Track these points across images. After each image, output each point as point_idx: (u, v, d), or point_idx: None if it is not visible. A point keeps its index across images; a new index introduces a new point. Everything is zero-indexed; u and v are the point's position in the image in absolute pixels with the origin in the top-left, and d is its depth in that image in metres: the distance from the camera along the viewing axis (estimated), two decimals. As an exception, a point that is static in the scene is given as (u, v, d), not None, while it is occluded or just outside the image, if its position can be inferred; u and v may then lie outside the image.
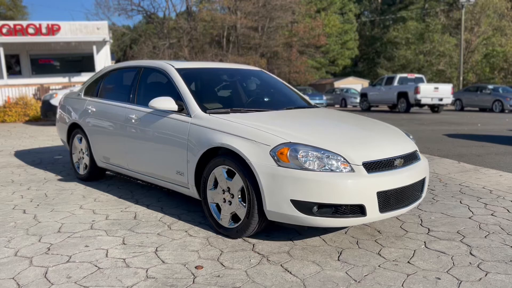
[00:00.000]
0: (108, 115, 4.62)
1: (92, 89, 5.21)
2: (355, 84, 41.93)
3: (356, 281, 2.60)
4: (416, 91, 20.33)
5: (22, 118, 14.94)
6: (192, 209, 4.03)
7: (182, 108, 3.73)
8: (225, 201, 3.31)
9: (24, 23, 18.48)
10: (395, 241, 3.25)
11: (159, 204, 4.23)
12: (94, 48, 17.81)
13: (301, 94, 4.72)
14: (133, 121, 4.18)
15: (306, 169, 2.90)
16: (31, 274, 2.68)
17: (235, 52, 42.18)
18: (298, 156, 2.92)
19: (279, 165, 2.94)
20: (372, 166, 3.02)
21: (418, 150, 3.57)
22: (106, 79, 5.08)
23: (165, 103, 3.70)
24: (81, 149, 5.19)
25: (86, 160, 5.09)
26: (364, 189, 2.90)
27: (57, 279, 2.61)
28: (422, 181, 3.42)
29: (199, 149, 3.43)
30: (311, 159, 2.93)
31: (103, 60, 19.15)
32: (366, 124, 3.82)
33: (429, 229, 3.51)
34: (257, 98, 4.41)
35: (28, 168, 6.17)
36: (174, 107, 3.70)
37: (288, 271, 2.73)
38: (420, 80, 22.71)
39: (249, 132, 3.16)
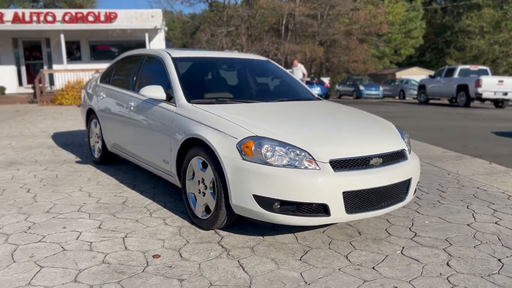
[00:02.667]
0: (114, 102, 4.76)
1: (106, 76, 5.39)
2: (418, 75, 39.91)
3: (306, 283, 2.50)
4: (477, 84, 18.96)
5: (77, 101, 15.84)
6: (180, 197, 4.06)
7: (171, 97, 3.75)
8: (200, 192, 3.30)
9: (85, 11, 19.48)
10: (371, 244, 3.07)
11: (153, 190, 4.31)
12: (146, 35, 18.40)
13: (305, 86, 4.56)
14: (131, 108, 4.28)
15: (270, 164, 2.81)
16: (0, 251, 2.85)
17: (293, 40, 41.77)
18: (262, 150, 2.83)
19: (243, 159, 2.87)
20: (341, 164, 2.86)
21: (406, 149, 3.32)
22: (117, 67, 5.23)
23: (154, 91, 3.73)
24: (96, 133, 5.40)
25: (99, 144, 5.30)
26: (328, 188, 2.76)
27: (20, 257, 2.75)
28: (407, 183, 3.19)
29: (179, 138, 3.43)
30: (275, 154, 2.83)
31: (156, 47, 19.76)
32: (353, 120, 3.61)
33: (415, 234, 3.28)
34: (251, 89, 4.32)
35: (56, 149, 6.54)
36: (162, 95, 3.73)
37: (242, 267, 2.68)
38: (484, 72, 21.13)
39: (221, 124, 3.12)
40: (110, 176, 4.86)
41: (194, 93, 3.75)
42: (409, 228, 3.40)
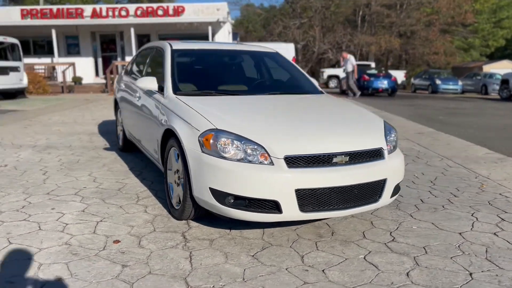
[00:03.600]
0: (127, 92, 4.98)
1: (128, 68, 5.64)
2: (510, 69, 36.54)
3: (243, 280, 2.45)
4: None
5: (143, 91, 16.67)
6: (173, 187, 4.15)
7: (163, 89, 3.84)
8: (175, 182, 3.36)
9: (155, 5, 20.42)
10: (337, 246, 2.92)
11: (155, 179, 4.45)
12: (209, 28, 18.86)
13: (311, 80, 4.39)
14: (137, 99, 4.45)
15: (225, 158, 2.78)
16: (-14, 226, 3.14)
17: (368, 32, 40.33)
18: (219, 143, 2.81)
19: (203, 151, 2.87)
20: (297, 161, 2.74)
21: (384, 148, 3.09)
22: (135, 59, 5.45)
23: (147, 82, 3.85)
24: (120, 122, 5.69)
25: (122, 132, 5.58)
26: (280, 184, 2.67)
27: (-2, 233, 3.01)
28: (381, 183, 2.98)
29: (161, 129, 3.51)
30: (231, 147, 2.79)
31: (221, 40, 20.19)
32: (332, 116, 3.42)
33: (393, 239, 3.06)
34: (244, 81, 4.26)
35: (94, 136, 7.00)
36: (154, 87, 3.83)
37: (190, 259, 2.69)
38: None
39: (190, 116, 3.14)
40: (124, 163, 5.11)
41: (186, 85, 3.80)
42: (390, 233, 3.17)
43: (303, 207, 2.73)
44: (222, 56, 4.48)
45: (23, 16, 20.29)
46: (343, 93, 17.93)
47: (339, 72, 22.98)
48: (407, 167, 5.10)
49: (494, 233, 3.18)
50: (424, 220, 3.43)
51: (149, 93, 4.04)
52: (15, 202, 3.68)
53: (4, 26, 19.80)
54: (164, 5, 20.13)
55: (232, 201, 2.77)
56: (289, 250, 2.85)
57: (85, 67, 20.63)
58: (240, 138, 2.80)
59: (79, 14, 20.16)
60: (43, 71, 19.69)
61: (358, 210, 2.94)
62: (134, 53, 19.33)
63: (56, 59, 19.49)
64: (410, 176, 4.74)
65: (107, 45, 21.50)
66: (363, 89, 18.36)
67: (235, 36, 27.82)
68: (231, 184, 2.73)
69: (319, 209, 2.78)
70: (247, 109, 3.36)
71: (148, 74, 4.51)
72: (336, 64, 32.49)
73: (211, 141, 2.83)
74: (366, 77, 19.03)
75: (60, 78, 18.92)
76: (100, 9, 20.29)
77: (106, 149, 5.96)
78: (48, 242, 2.89)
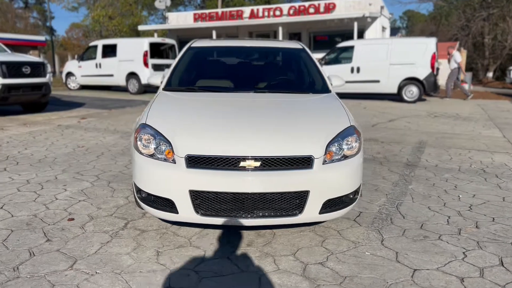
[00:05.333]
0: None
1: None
2: None
3: (121, 271, 2.51)
4: None
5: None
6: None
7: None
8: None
9: (306, 3, 20.69)
10: (250, 259, 2.69)
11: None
12: (355, 24, 18.19)
13: (324, 80, 3.98)
14: None
15: (141, 153, 2.84)
16: (9, 189, 3.87)
17: None
18: (140, 138, 2.88)
19: (133, 145, 2.98)
20: (197, 161, 2.62)
21: (316, 157, 2.66)
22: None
23: (153, 78, 4.11)
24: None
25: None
26: (175, 183, 2.62)
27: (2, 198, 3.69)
28: (301, 196, 2.61)
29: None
30: (149, 143, 2.83)
31: (372, 36, 19.32)
32: (286, 118, 3.05)
33: (324, 261, 2.65)
34: (239, 78, 4.07)
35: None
36: (158, 82, 4.06)
37: (104, 245, 2.85)
38: None
39: (145, 111, 3.26)
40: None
41: (175, 81, 3.93)
42: (328, 255, 2.75)
43: (198, 210, 2.61)
44: (234, 52, 4.43)
45: (195, 19, 23.03)
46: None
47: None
48: (470, 186, 4.23)
49: (462, 279, 2.47)
50: (390, 248, 2.85)
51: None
52: (46, 177, 4.39)
53: (180, 28, 22.86)
54: (316, 2, 20.23)
55: (143, 195, 2.82)
56: (198, 252, 2.75)
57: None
58: (156, 134, 2.81)
59: (239, 15, 21.85)
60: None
61: (268, 222, 2.65)
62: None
63: (215, 57, 21.59)
64: (454, 197, 3.93)
65: (263, 44, 22.78)
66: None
67: (394, 32, 26.18)
68: (141, 179, 2.80)
69: (217, 214, 2.61)
70: (206, 107, 3.31)
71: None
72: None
73: (136, 135, 2.92)
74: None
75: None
76: (257, 10, 21.59)
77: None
78: (24, 211, 3.42)
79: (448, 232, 3.12)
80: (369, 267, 2.60)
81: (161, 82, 3.98)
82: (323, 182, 2.64)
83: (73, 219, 3.30)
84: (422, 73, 12.49)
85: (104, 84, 16.46)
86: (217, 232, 3.06)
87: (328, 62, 13.63)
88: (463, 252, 2.80)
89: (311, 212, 2.66)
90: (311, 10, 20.32)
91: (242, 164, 2.59)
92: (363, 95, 13.87)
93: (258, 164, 2.60)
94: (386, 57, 12.79)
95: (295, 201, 2.62)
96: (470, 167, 5.04)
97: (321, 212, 2.69)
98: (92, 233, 3.04)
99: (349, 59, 13.28)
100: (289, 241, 2.94)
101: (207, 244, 2.88)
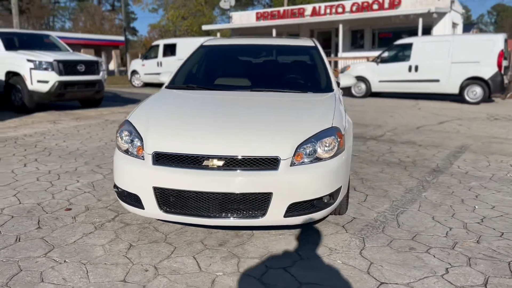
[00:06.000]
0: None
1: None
2: None
3: (88, 262, 2.60)
4: None
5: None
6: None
7: (168, 82, 4.12)
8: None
9: (370, 0, 19.96)
10: (186, 255, 2.67)
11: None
12: (420, 20, 17.21)
13: (331, 79, 3.81)
14: None
15: (119, 148, 2.93)
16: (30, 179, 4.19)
17: None
18: (119, 134, 2.96)
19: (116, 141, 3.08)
20: (163, 158, 2.64)
21: (282, 159, 2.56)
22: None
23: (163, 76, 4.21)
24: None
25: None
26: (140, 179, 2.68)
27: (19, 184, 4.00)
28: (264, 197, 2.53)
29: None
30: (125, 139, 2.90)
31: (440, 33, 18.21)
32: (268, 116, 2.98)
33: (287, 270, 2.56)
34: (240, 77, 4.01)
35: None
36: (165, 80, 4.15)
37: (84, 236, 2.98)
38: None
39: (134, 108, 3.35)
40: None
41: (178, 79, 3.97)
42: (295, 262, 2.64)
43: (162, 206, 2.63)
44: (243, 51, 4.38)
45: (257, 18, 23.20)
46: None
47: None
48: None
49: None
50: (366, 258, 2.67)
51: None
52: (67, 168, 4.68)
53: (243, 27, 23.17)
54: (379, -2, 19.46)
55: (119, 190, 2.89)
56: (168, 249, 2.78)
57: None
58: (134, 131, 2.88)
59: (301, 13, 21.65)
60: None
61: (231, 223, 2.59)
62: (348, 49, 19.57)
63: (274, 55, 21.54)
64: (468, 207, 3.60)
65: (324, 42, 22.36)
66: None
67: (468, 28, 24.40)
68: (116, 174, 2.90)
69: (180, 212, 2.61)
70: (192, 105, 3.34)
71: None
72: None
73: (118, 130, 3.01)
74: None
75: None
76: (319, 7, 21.24)
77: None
78: (32, 199, 3.67)
79: (440, 245, 2.86)
80: (334, 276, 2.46)
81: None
82: (288, 185, 2.54)
83: (70, 209, 3.48)
84: (487, 72, 11.53)
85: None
86: (197, 230, 3.07)
87: (385, 60, 13.06)
88: (446, 268, 2.55)
89: (275, 215, 2.57)
90: (375, 6, 19.59)
91: (205, 163, 2.57)
92: (423, 95, 13.13)
93: (221, 163, 2.56)
94: (447, 55, 11.98)
95: (258, 203, 2.55)
96: (505, 175, 4.58)
97: (286, 216, 2.59)
98: (80, 223, 3.19)
99: (407, 57, 12.62)
100: (264, 243, 2.87)
101: (181, 242, 2.90)
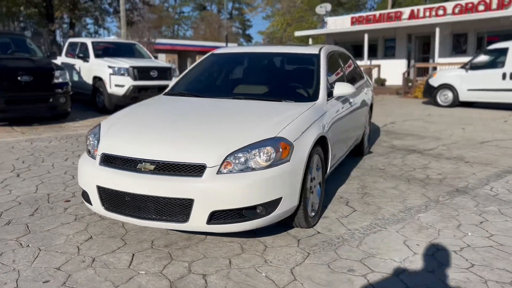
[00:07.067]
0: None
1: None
2: None
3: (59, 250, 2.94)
4: None
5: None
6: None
7: (170, 90, 4.36)
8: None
9: (475, 0, 18.24)
10: (128, 252, 2.81)
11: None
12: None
13: (321, 87, 3.67)
14: None
15: (87, 150, 3.22)
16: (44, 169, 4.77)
17: None
18: (88, 137, 3.25)
19: None
20: (108, 160, 2.88)
21: (209, 167, 2.60)
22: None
23: (171, 82, 4.47)
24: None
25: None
26: (89, 178, 2.93)
27: (30, 172, 4.57)
28: (185, 204, 2.59)
29: None
30: (90, 140, 3.18)
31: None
32: (226, 124, 3.04)
33: (205, 276, 2.60)
34: (230, 85, 4.02)
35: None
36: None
37: (62, 225, 3.35)
38: None
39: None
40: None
41: (177, 86, 4.18)
42: (220, 270, 2.66)
43: (105, 205, 2.85)
44: (245, 59, 4.40)
45: (352, 23, 22.64)
46: None
47: None
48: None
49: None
50: (294, 274, 2.58)
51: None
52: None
53: (337, 32, 22.81)
54: (486, -1, 17.66)
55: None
56: (116, 245, 2.99)
57: (396, 69, 20.93)
58: (97, 132, 3.16)
59: (398, 17, 20.61)
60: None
61: (160, 225, 2.71)
62: (449, 54, 18.18)
63: (365, 61, 20.74)
64: (461, 234, 3.23)
65: (422, 47, 20.97)
66: None
67: None
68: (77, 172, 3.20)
69: (118, 211, 2.80)
70: (162, 111, 3.55)
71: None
72: None
73: (89, 132, 3.31)
74: None
75: (368, 79, 20.07)
76: (418, 10, 20.02)
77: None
78: (48, 189, 4.18)
79: (386, 270, 2.63)
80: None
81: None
82: (211, 192, 2.58)
83: (69, 201, 3.90)
84: None
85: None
86: (156, 230, 3.23)
87: (475, 67, 11.86)
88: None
89: (197, 221, 2.62)
90: (481, 7, 17.87)
91: (139, 166, 2.74)
92: (521, 106, 11.66)
93: (152, 167, 2.70)
94: (550, 62, 10.48)
95: (180, 208, 2.63)
96: (541, 202, 3.95)
97: (209, 223, 2.63)
98: (66, 214, 3.56)
99: (500, 64, 11.31)
100: (206, 249, 2.93)
101: (134, 239, 3.09)
